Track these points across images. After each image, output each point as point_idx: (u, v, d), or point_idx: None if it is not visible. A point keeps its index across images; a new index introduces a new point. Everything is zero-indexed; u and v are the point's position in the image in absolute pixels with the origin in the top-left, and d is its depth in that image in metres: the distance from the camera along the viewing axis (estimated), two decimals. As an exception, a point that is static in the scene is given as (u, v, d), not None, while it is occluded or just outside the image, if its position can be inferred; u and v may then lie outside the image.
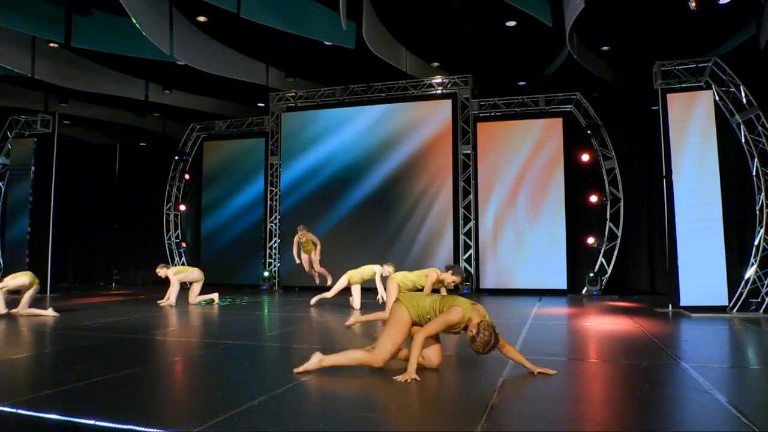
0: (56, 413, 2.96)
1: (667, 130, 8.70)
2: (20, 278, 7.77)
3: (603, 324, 7.06)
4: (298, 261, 10.44)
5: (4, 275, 11.58)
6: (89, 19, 10.52)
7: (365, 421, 2.92)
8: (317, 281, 10.71)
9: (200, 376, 4.10)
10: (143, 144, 17.43)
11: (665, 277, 9.51)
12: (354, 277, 8.74)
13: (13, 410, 3.04)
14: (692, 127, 8.61)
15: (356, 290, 8.77)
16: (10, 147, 11.94)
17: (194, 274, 9.90)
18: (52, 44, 11.31)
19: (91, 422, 2.83)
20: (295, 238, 10.47)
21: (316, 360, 3.95)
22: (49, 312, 7.56)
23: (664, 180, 8.81)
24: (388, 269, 8.41)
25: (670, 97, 8.77)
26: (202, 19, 10.72)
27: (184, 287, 10.00)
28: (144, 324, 6.96)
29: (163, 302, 9.38)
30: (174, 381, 3.99)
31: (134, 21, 9.09)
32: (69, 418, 2.90)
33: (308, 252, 10.49)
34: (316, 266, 10.53)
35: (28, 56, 11.18)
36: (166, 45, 10.23)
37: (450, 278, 6.39)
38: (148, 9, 9.69)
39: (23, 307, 7.60)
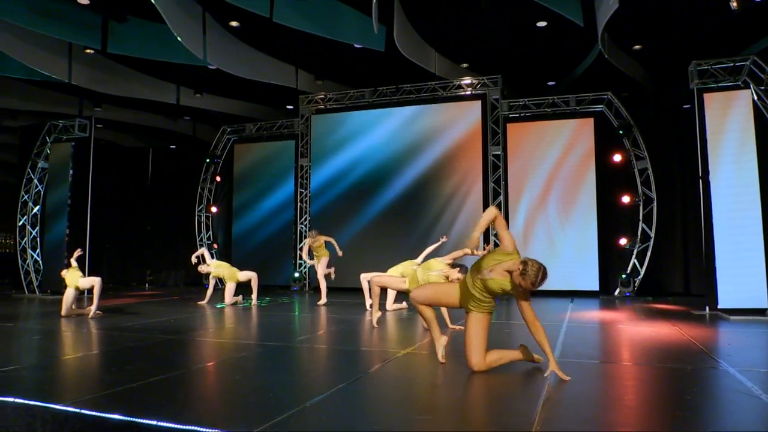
0: (118, 413, 3.04)
1: (704, 130, 8.58)
2: (91, 278, 7.93)
3: (641, 327, 7.00)
4: (310, 262, 10.42)
5: (44, 277, 11.93)
6: (124, 26, 10.75)
7: (420, 424, 2.96)
8: (332, 277, 10.69)
9: (248, 377, 4.17)
10: (173, 147, 17.72)
11: (701, 278, 9.39)
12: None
13: (77, 410, 3.13)
14: (730, 127, 8.48)
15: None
16: (48, 151, 12.22)
17: (225, 271, 9.97)
18: (88, 50, 11.56)
19: (153, 422, 2.91)
20: (307, 241, 10.41)
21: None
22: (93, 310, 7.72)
23: (701, 181, 8.69)
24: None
25: (706, 96, 8.64)
26: (234, 24, 10.87)
27: (218, 287, 10.14)
28: (183, 325, 7.09)
29: (203, 302, 9.61)
30: (224, 382, 4.07)
31: (170, 27, 9.25)
32: (131, 419, 2.98)
33: (318, 257, 10.40)
34: (321, 272, 10.41)
35: (65, 62, 11.45)
36: (200, 50, 10.40)
37: (456, 275, 6.37)
38: (182, 15, 9.85)
39: (95, 309, 7.73)
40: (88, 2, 9.87)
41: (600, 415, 3.21)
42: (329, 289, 10.51)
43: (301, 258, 13.20)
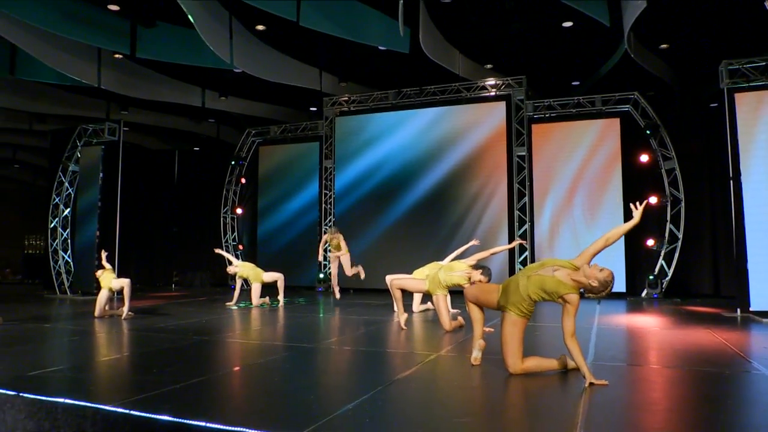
0: (166, 414, 3.11)
1: (735, 130, 8.48)
2: (121, 279, 8.08)
3: (672, 329, 6.95)
4: (321, 259, 10.41)
5: (75, 278, 12.16)
6: (152, 31, 10.92)
7: (462, 427, 2.99)
8: (362, 276, 10.45)
9: (286, 379, 4.23)
10: (197, 149, 17.93)
11: (731, 280, 9.28)
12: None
13: (125, 411, 3.21)
14: (761, 128, 8.38)
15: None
16: (79, 155, 12.45)
17: (250, 272, 10.08)
18: (117, 55, 11.76)
19: (202, 424, 2.97)
20: (325, 237, 10.40)
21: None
22: (125, 311, 7.86)
23: (731, 181, 8.59)
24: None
25: (737, 96, 8.55)
26: (260, 27, 10.98)
27: (244, 288, 10.25)
28: (215, 326, 7.19)
29: (230, 304, 9.73)
30: (263, 384, 4.13)
31: (198, 32, 9.38)
32: (180, 420, 3.05)
33: (338, 256, 10.38)
34: (348, 270, 10.37)
35: (94, 67, 11.64)
36: (226, 54, 10.52)
37: (478, 277, 6.34)
38: (209, 20, 9.98)
39: (127, 310, 7.88)
40: (118, 8, 10.05)
41: (642, 419, 3.21)
42: (366, 290, 10.56)
43: (326, 259, 13.26)
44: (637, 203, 4.16)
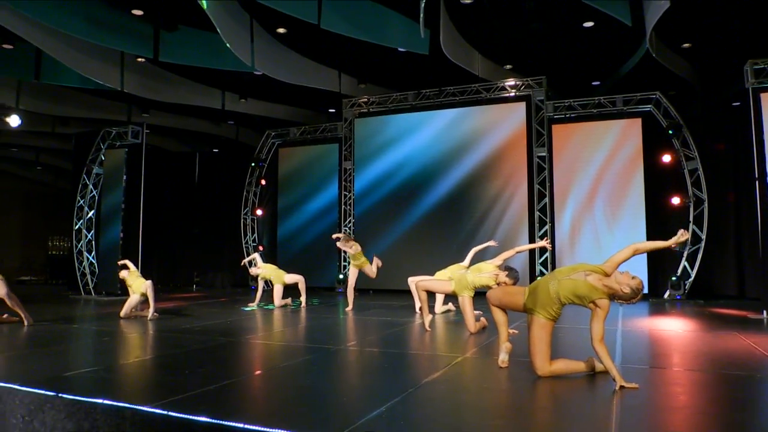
0: (204, 416, 3.16)
1: (760, 130, 8.40)
2: (147, 282, 8.20)
3: (698, 332, 6.90)
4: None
5: (99, 279, 12.34)
6: (175, 34, 11.04)
7: (497, 429, 3.01)
8: (379, 264, 9.95)
9: (317, 380, 4.27)
10: (216, 150, 18.09)
11: (757, 281, 9.17)
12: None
13: (164, 412, 3.27)
14: (788, 128, 8.29)
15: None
16: (103, 157, 12.62)
17: (272, 273, 10.14)
18: (139, 59, 11.91)
19: (240, 425, 3.02)
20: (338, 245, 10.00)
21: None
22: (151, 312, 7.97)
23: (756, 182, 8.50)
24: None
25: (763, 96, 8.46)
26: (281, 30, 11.06)
27: (265, 289, 10.34)
28: (239, 327, 7.27)
29: (253, 304, 9.82)
30: (295, 385, 4.17)
31: (221, 36, 9.47)
32: (218, 421, 3.10)
33: (358, 266, 9.70)
34: (372, 275, 9.92)
35: (116, 70, 11.80)
36: (248, 57, 10.61)
37: (503, 278, 6.34)
38: (231, 23, 10.07)
39: (152, 311, 8.00)
40: (142, 13, 10.18)
41: (676, 422, 3.21)
42: (387, 291, 10.47)
43: (346, 261, 13.31)
44: (682, 231, 4.17)
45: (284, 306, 9.89)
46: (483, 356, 5.14)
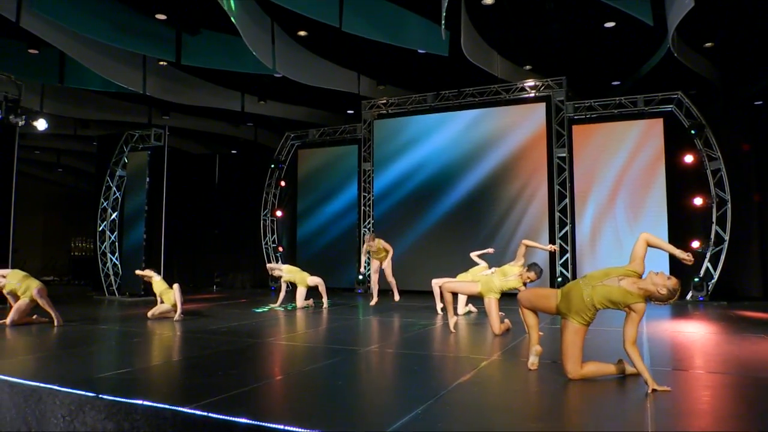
0: (244, 417, 3.21)
1: (786, 129, 8.31)
2: (174, 285, 8.30)
3: (726, 334, 6.85)
4: (363, 269, 10.18)
5: (123, 280, 12.50)
6: (197, 38, 11.17)
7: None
8: (396, 296, 10.33)
9: (350, 382, 4.31)
10: (234, 152, 18.24)
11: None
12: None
13: (204, 413, 3.32)
14: (815, 127, 8.20)
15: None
16: (126, 160, 12.79)
17: (296, 276, 10.22)
18: (161, 62, 12.05)
19: (280, 426, 3.06)
20: (365, 247, 10.23)
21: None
22: (178, 313, 8.08)
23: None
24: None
25: (789, 95, 8.38)
26: (302, 33, 11.13)
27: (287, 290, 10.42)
28: (265, 329, 7.34)
29: (275, 305, 9.92)
30: (328, 387, 4.21)
31: (244, 40, 9.57)
32: (258, 422, 3.14)
33: (380, 260, 10.22)
34: (389, 274, 10.25)
35: (138, 73, 11.96)
36: (269, 59, 10.70)
37: (527, 274, 6.52)
38: (252, 26, 10.17)
39: (179, 312, 8.11)
40: (165, 17, 10.31)
41: (713, 426, 3.20)
42: (404, 291, 10.50)
43: (367, 264, 13.35)
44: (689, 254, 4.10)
45: (306, 307, 9.95)
46: (510, 358, 5.15)
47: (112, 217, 12.86)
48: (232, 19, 8.89)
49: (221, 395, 3.74)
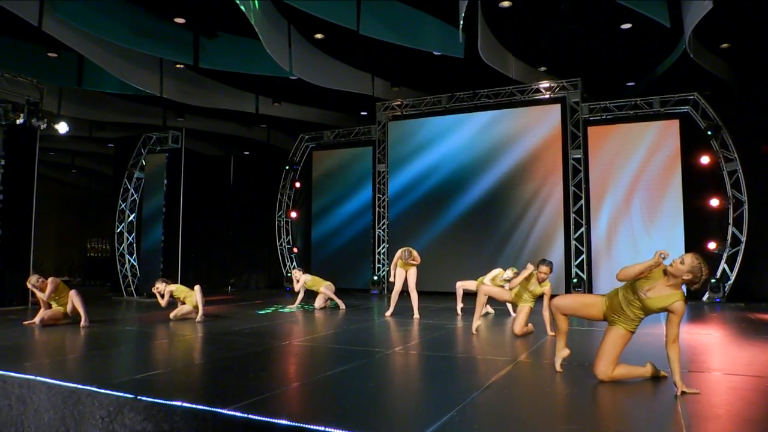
0: (284, 418, 3.27)
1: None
2: (196, 287, 8.41)
3: (747, 336, 6.86)
4: (392, 279, 9.33)
5: (141, 281, 12.62)
6: (214, 41, 11.27)
7: (572, 435, 3.08)
8: (416, 313, 9.04)
9: (380, 384, 4.37)
10: (246, 153, 18.34)
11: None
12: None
13: (244, 415, 3.39)
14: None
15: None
16: (144, 162, 12.91)
17: (317, 283, 10.32)
18: (178, 65, 12.16)
19: (321, 428, 3.12)
20: (398, 254, 9.34)
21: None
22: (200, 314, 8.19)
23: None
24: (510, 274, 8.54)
25: (808, 97, 8.37)
26: (319, 36, 11.20)
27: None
28: (287, 330, 7.42)
29: (293, 306, 10.02)
30: (360, 389, 4.26)
31: (263, 43, 9.64)
32: (298, 424, 3.20)
33: (406, 269, 9.42)
34: (412, 287, 9.33)
35: (155, 76, 12.07)
36: (286, 62, 10.78)
37: (542, 269, 6.64)
38: (270, 29, 10.25)
39: (201, 313, 8.22)
40: (184, 21, 10.41)
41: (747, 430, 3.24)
42: (421, 292, 10.38)
43: (380, 263, 13.41)
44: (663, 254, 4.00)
45: (323, 308, 10.05)
46: (536, 360, 5.19)
47: (130, 219, 12.98)
48: (252, 22, 8.97)
49: (257, 397, 3.80)
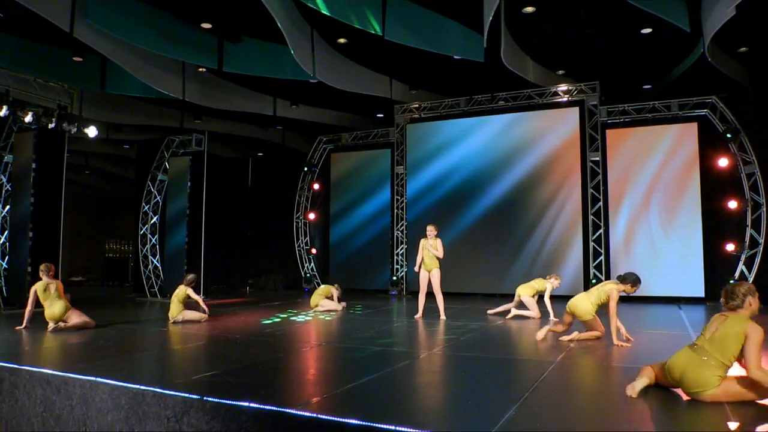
0: (354, 418, 3.40)
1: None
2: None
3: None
4: (417, 269, 9.13)
5: (165, 283, 12.76)
6: (237, 45, 11.41)
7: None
8: (442, 315, 8.91)
9: (431, 385, 4.50)
10: (260, 154, 18.48)
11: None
12: (525, 289, 8.84)
13: (313, 415, 3.53)
14: None
15: (531, 302, 8.76)
16: (167, 165, 13.06)
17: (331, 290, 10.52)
18: (201, 69, 12.31)
19: (392, 427, 3.25)
20: (423, 242, 9.16)
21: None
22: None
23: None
24: (556, 282, 8.67)
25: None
26: (342, 40, 11.34)
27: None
28: (318, 332, 7.59)
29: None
30: (414, 388, 4.40)
31: (289, 47, 9.78)
32: (368, 423, 3.34)
33: (429, 269, 9.09)
34: (437, 288, 9.04)
35: (178, 80, 12.21)
36: (309, 66, 10.92)
37: (630, 289, 6.19)
38: (294, 33, 10.38)
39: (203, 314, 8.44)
40: (210, 26, 10.56)
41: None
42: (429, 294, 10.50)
43: (398, 264, 13.53)
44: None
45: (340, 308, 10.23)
46: (577, 361, 5.33)
47: (153, 221, 13.14)
48: (280, 26, 9.11)
49: (318, 396, 3.95)
